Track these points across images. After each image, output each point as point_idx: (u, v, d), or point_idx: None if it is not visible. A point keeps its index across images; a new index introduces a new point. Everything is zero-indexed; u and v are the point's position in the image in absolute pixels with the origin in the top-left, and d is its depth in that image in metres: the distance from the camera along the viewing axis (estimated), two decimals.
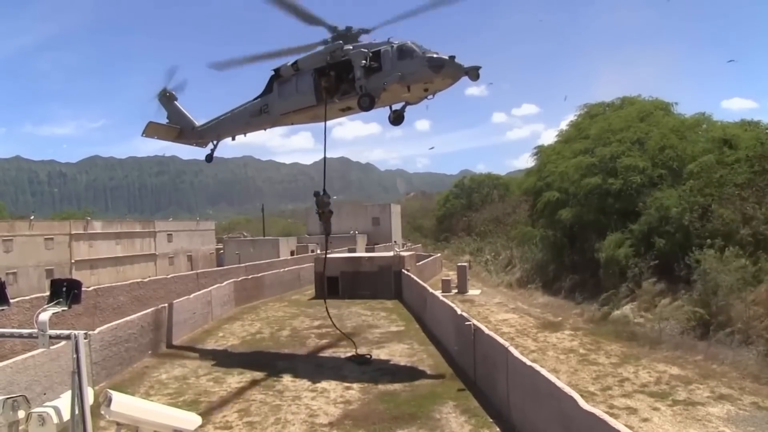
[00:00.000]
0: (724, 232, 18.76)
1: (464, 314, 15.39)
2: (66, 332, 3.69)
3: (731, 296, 16.39)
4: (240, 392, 13.86)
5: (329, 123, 17.12)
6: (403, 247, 46.68)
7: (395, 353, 17.72)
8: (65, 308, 3.91)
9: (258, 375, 15.27)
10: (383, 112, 17.68)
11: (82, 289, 4.04)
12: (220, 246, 66.73)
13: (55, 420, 3.80)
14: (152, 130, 20.08)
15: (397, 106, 17.41)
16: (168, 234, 62.69)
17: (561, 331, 20.51)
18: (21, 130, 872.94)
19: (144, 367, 16.66)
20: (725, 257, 17.12)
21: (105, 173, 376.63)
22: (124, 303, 23.48)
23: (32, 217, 52.72)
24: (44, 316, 3.72)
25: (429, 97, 16.15)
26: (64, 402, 3.90)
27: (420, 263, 36.10)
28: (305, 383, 14.39)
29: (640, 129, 26.07)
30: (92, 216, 66.30)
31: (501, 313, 25.15)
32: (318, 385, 14.21)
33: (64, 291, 3.91)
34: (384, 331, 21.26)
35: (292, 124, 19.57)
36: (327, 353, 18.24)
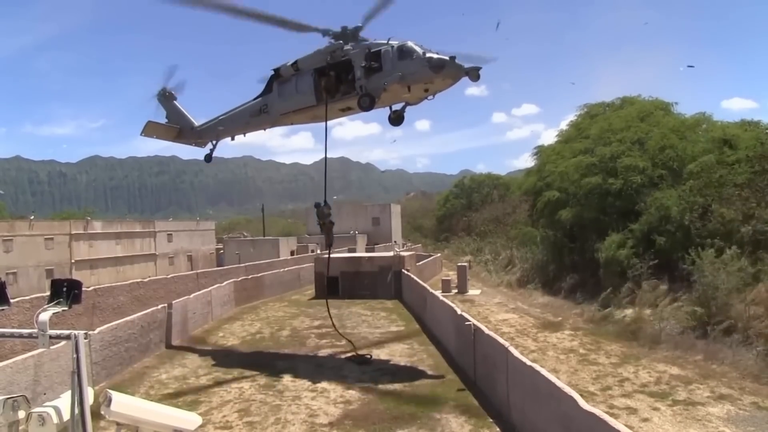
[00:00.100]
0: (724, 232, 18.76)
1: (464, 314, 15.39)
2: (66, 332, 3.69)
3: (731, 296, 16.39)
4: (240, 392, 13.86)
5: (329, 123, 17.12)
6: (403, 247, 46.68)
7: (395, 353, 17.72)
8: (65, 308, 3.91)
9: (258, 375, 15.26)
10: (383, 112, 17.70)
11: (82, 289, 4.04)
12: (220, 246, 66.74)
13: (55, 420, 3.80)
14: (151, 130, 20.07)
15: (397, 107, 17.39)
16: (168, 234, 62.68)
17: (561, 331, 20.51)
18: (21, 130, 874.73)
19: (144, 367, 16.65)
20: (723, 258, 17.12)
21: (105, 173, 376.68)
22: (124, 303, 23.47)
23: (32, 217, 52.72)
24: (44, 316, 3.72)
25: (429, 97, 16.15)
26: (64, 402, 3.90)
27: (420, 263, 36.11)
28: (305, 383, 14.38)
29: (640, 129, 26.08)
30: (92, 216, 66.20)
31: (501, 313, 25.15)
32: (318, 385, 14.21)
33: (65, 291, 3.91)
34: (384, 331, 21.26)
35: (292, 124, 19.57)
36: (327, 353, 18.24)
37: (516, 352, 10.91)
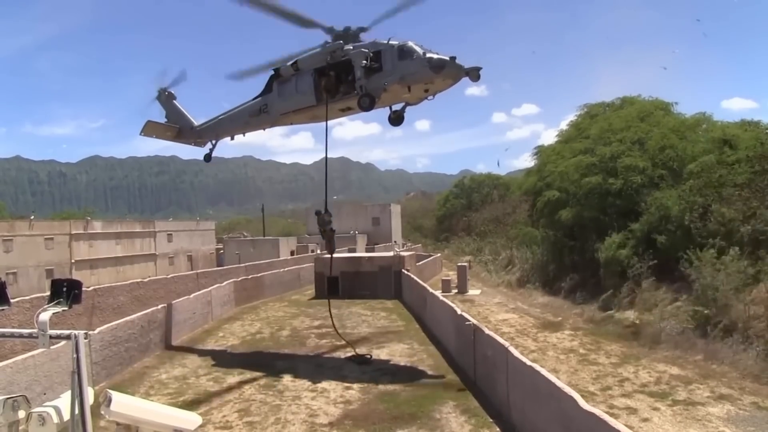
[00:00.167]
0: (725, 232, 18.75)
1: (464, 314, 15.39)
2: (66, 332, 3.69)
3: (730, 296, 16.38)
4: (240, 392, 13.86)
5: (329, 123, 17.08)
6: (403, 247, 46.69)
7: (395, 353, 17.72)
8: (65, 308, 3.90)
9: (258, 375, 15.26)
10: (383, 112, 17.70)
11: (82, 289, 4.04)
12: (220, 246, 66.73)
13: (55, 420, 3.80)
14: (150, 129, 20.08)
15: (397, 107, 17.39)
16: (168, 234, 62.67)
17: (561, 331, 20.51)
18: (21, 130, 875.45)
19: (144, 367, 16.65)
20: (723, 259, 17.12)
21: (105, 173, 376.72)
22: (124, 303, 23.47)
23: (32, 217, 52.69)
24: (44, 316, 3.72)
25: (429, 97, 16.13)
26: (64, 402, 3.90)
27: (420, 263, 36.12)
28: (305, 383, 14.39)
29: (640, 129, 26.08)
30: (92, 216, 66.21)
31: (501, 313, 25.15)
32: (318, 385, 14.21)
33: (65, 291, 3.91)
34: (384, 331, 21.27)
35: (292, 124, 19.56)
36: (327, 353, 18.24)
37: (516, 352, 10.91)
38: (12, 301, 12.76)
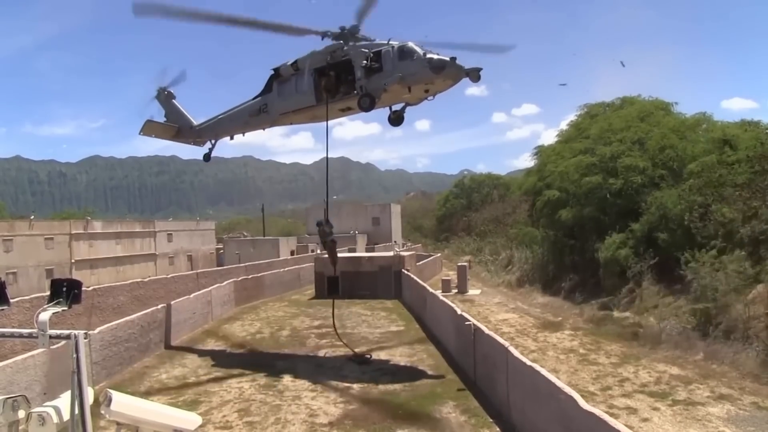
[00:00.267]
0: (725, 232, 18.75)
1: (464, 314, 15.38)
2: (66, 332, 3.69)
3: (730, 296, 16.38)
4: (240, 392, 13.85)
5: (329, 123, 17.06)
6: (403, 247, 46.70)
7: (395, 353, 17.72)
8: (65, 308, 3.91)
9: (258, 375, 15.25)
10: (383, 112, 17.68)
11: (82, 288, 4.04)
12: (220, 246, 66.73)
13: (55, 420, 3.80)
14: (150, 129, 20.07)
15: (397, 107, 17.37)
16: (168, 234, 62.68)
17: (561, 331, 20.51)
18: (21, 130, 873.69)
19: (144, 367, 16.65)
20: (722, 259, 17.11)
21: (105, 173, 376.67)
22: (124, 303, 23.46)
23: (32, 217, 52.72)
24: (44, 316, 3.73)
25: (429, 98, 16.13)
26: (64, 402, 3.90)
27: (420, 263, 36.12)
28: (305, 383, 14.38)
29: (640, 129, 26.09)
30: (92, 216, 66.19)
31: (501, 313, 25.15)
32: (318, 385, 14.20)
33: (64, 291, 3.92)
34: (384, 331, 21.27)
35: (292, 123, 19.55)
36: (327, 353, 18.22)
37: (516, 352, 10.91)
38: (12, 301, 12.78)
